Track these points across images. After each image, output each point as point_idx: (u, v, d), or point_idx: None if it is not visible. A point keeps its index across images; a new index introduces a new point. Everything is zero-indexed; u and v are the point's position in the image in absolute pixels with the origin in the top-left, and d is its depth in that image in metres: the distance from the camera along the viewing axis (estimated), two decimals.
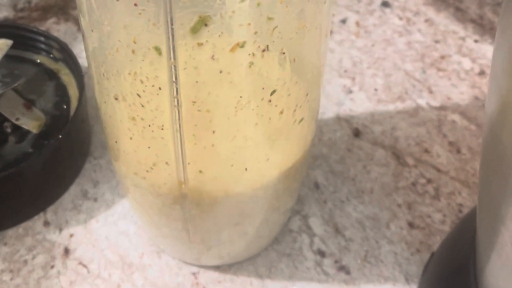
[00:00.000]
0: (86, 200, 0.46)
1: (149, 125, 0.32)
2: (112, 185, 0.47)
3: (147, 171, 0.35)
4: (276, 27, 0.29)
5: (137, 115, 0.32)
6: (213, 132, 0.32)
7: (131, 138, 0.33)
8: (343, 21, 0.60)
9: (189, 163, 0.33)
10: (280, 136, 0.34)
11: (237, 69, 0.29)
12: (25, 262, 0.43)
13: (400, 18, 0.60)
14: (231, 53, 0.29)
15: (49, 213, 0.45)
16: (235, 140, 0.32)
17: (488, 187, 0.30)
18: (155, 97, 0.30)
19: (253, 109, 0.31)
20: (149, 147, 0.33)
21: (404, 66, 0.56)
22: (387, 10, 0.61)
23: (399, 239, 0.44)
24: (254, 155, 0.34)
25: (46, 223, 0.45)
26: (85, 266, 0.42)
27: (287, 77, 0.31)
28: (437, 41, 0.58)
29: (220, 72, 0.29)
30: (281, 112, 0.33)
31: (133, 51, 0.29)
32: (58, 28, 0.59)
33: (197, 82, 0.29)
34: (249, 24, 0.28)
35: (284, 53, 0.30)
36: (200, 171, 0.34)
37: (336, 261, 0.43)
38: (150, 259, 0.43)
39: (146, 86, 0.30)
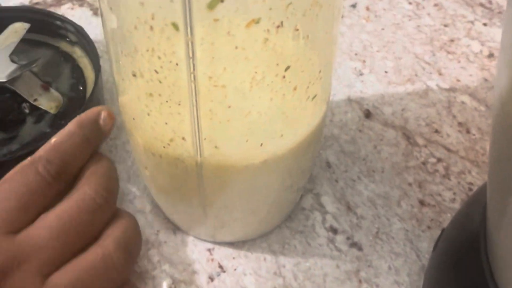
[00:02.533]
0: None
1: (166, 101, 0.33)
2: (128, 165, 0.48)
3: (164, 147, 0.35)
4: (291, 3, 0.29)
5: (155, 91, 0.33)
6: (229, 107, 0.32)
7: (148, 114, 0.34)
8: (354, 6, 0.61)
9: (205, 139, 0.34)
10: (293, 112, 0.35)
11: (252, 45, 0.30)
12: None
13: (410, 3, 0.61)
14: (246, 29, 0.29)
15: None
16: (250, 115, 0.33)
17: (498, 164, 0.31)
18: (172, 73, 0.31)
19: (267, 85, 0.32)
20: (166, 123, 0.34)
21: (413, 49, 0.57)
22: None
23: (410, 217, 0.45)
24: (268, 130, 0.34)
25: None
26: None
27: (300, 53, 0.32)
28: (446, 25, 0.59)
29: (236, 48, 0.30)
30: (295, 89, 0.33)
31: (151, 28, 0.30)
32: (72, 14, 0.60)
33: (213, 57, 0.30)
34: (264, 0, 0.29)
35: (298, 30, 0.31)
36: (216, 147, 0.34)
37: (348, 238, 0.44)
38: (166, 236, 0.44)
39: (163, 62, 0.31)
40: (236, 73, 0.31)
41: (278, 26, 0.30)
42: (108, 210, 0.36)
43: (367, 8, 0.61)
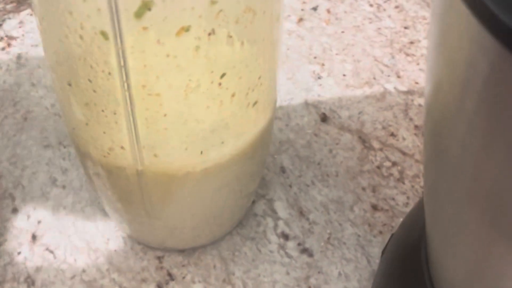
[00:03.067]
0: (55, 187, 0.47)
1: (102, 110, 0.33)
2: (81, 173, 0.47)
3: (104, 156, 0.35)
4: (221, 10, 0.29)
5: (90, 101, 0.32)
6: (165, 115, 0.32)
7: (86, 124, 0.34)
8: (315, 9, 0.61)
9: (144, 147, 0.34)
10: (233, 119, 0.34)
11: (183, 53, 0.30)
12: None
13: (371, 5, 0.61)
14: (176, 37, 0.29)
15: (18, 200, 0.46)
16: (188, 123, 0.33)
17: (428, 172, 0.31)
18: (106, 82, 0.31)
19: (203, 92, 0.32)
20: (104, 132, 0.34)
21: (373, 52, 0.56)
22: None
23: (362, 222, 0.45)
24: (208, 138, 0.34)
25: (15, 210, 0.45)
26: (51, 251, 0.43)
27: (236, 60, 0.32)
28: (406, 27, 0.59)
29: (167, 56, 0.30)
30: (233, 95, 0.33)
31: (80, 37, 0.30)
32: (31, 20, 0.60)
33: (145, 66, 0.30)
34: (193, 8, 0.28)
35: (231, 37, 0.31)
36: (155, 155, 0.34)
37: (299, 244, 0.44)
38: (115, 244, 0.43)
39: (96, 71, 0.31)
40: (170, 81, 0.31)
41: (209, 34, 0.30)
42: None
43: (328, 11, 0.60)
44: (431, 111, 0.28)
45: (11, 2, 0.62)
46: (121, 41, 0.29)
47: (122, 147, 0.34)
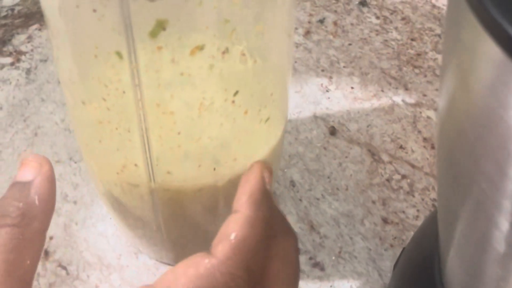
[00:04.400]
0: (66, 203, 0.47)
1: (116, 128, 0.33)
2: (91, 188, 0.48)
3: (117, 173, 0.35)
4: (234, 30, 0.29)
5: (104, 119, 0.33)
6: (179, 133, 0.32)
7: (100, 141, 0.34)
8: (321, 21, 0.61)
9: (157, 165, 0.34)
10: (246, 136, 0.34)
11: (198, 71, 0.30)
12: None
13: (377, 17, 0.61)
14: (191, 56, 0.29)
15: None
16: (201, 141, 0.33)
17: (443, 185, 0.31)
18: (120, 101, 0.31)
19: (217, 110, 0.32)
20: (117, 150, 0.34)
21: (380, 64, 0.57)
22: (365, 9, 0.62)
23: (373, 235, 0.45)
24: (221, 155, 0.34)
25: None
26: (64, 268, 0.43)
27: (249, 78, 0.32)
28: (413, 39, 0.59)
29: (181, 74, 0.30)
30: (246, 112, 0.33)
31: (95, 56, 0.30)
32: (40, 35, 0.60)
33: (159, 85, 0.30)
34: (207, 27, 0.29)
35: (244, 55, 0.31)
36: (168, 172, 0.34)
37: (310, 258, 0.44)
38: (127, 260, 0.43)
39: (110, 89, 0.31)
40: (184, 100, 0.31)
41: (223, 52, 0.30)
42: None
43: (335, 23, 0.61)
44: (445, 126, 0.29)
45: (19, 17, 0.62)
46: (136, 61, 0.29)
47: (135, 165, 0.34)
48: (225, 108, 0.32)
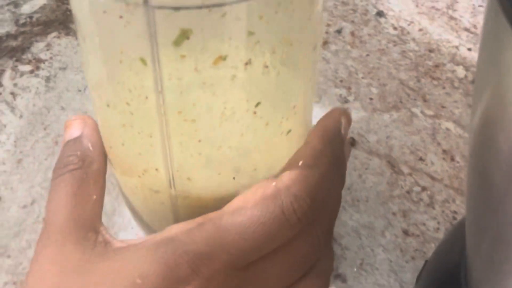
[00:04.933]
0: None
1: (139, 133, 0.33)
2: (113, 197, 0.48)
3: (139, 177, 0.35)
4: (258, 41, 0.30)
5: (127, 123, 0.33)
6: (199, 141, 0.33)
7: (123, 145, 0.35)
8: (339, 31, 0.61)
9: (177, 171, 0.34)
10: (267, 147, 0.34)
11: (220, 81, 0.30)
12: None
13: (395, 28, 0.61)
14: (213, 66, 0.30)
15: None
16: (221, 149, 0.33)
17: (474, 198, 0.31)
18: (143, 106, 0.31)
19: (238, 121, 0.32)
20: (139, 154, 0.34)
21: (398, 75, 0.57)
22: (382, 19, 0.62)
23: (394, 247, 0.45)
24: (241, 164, 0.34)
25: None
26: None
27: (271, 89, 0.32)
28: (431, 50, 0.59)
29: (204, 83, 0.30)
30: (267, 124, 0.33)
31: (120, 61, 0.30)
32: (59, 42, 0.60)
33: (181, 93, 0.30)
34: (230, 38, 0.29)
35: (267, 67, 0.31)
36: (189, 178, 0.34)
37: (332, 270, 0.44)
38: None
39: (133, 95, 0.31)
40: (205, 108, 0.31)
41: (246, 63, 0.30)
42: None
43: (352, 34, 0.61)
44: (478, 140, 0.29)
45: (38, 25, 0.62)
46: (159, 68, 0.29)
47: (156, 170, 0.34)
48: (246, 119, 0.32)
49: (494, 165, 0.26)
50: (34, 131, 0.53)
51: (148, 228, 0.40)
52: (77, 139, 0.35)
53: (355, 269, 0.44)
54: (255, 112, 0.32)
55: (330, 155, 0.33)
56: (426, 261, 0.43)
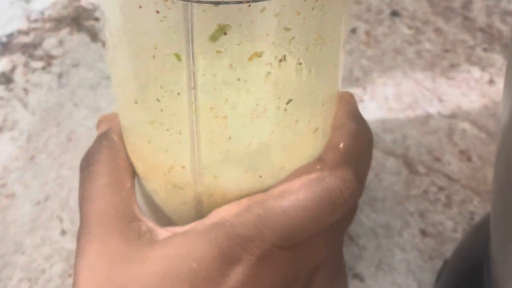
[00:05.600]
0: None
1: (167, 129, 0.33)
2: None
3: (164, 174, 0.35)
4: (294, 38, 0.29)
5: (156, 119, 0.33)
6: (229, 138, 0.32)
7: (149, 142, 0.34)
8: (353, 31, 0.61)
9: (205, 168, 0.34)
10: (294, 145, 0.34)
11: (254, 78, 0.30)
12: (43, 271, 0.43)
13: (409, 28, 0.61)
14: (249, 62, 0.29)
15: (66, 222, 0.46)
16: (250, 146, 0.33)
17: (502, 197, 0.31)
18: (174, 102, 0.31)
19: (269, 117, 0.32)
20: (167, 151, 0.34)
21: (414, 75, 0.56)
22: (397, 19, 0.61)
23: (412, 247, 0.45)
24: (268, 162, 0.34)
25: (63, 232, 0.45)
26: None
27: (303, 87, 0.32)
28: (446, 50, 0.59)
29: (238, 80, 0.30)
30: (297, 121, 0.33)
31: (153, 57, 0.30)
32: (71, 39, 0.60)
33: (215, 89, 0.30)
34: (267, 34, 0.29)
35: (301, 64, 0.31)
36: (215, 176, 0.34)
37: (350, 269, 0.43)
38: None
39: (165, 91, 0.31)
40: (238, 105, 0.31)
41: (280, 60, 0.30)
42: None
43: (367, 33, 0.60)
44: (508, 138, 0.28)
45: (50, 21, 0.62)
46: (194, 63, 0.29)
47: (183, 167, 0.34)
48: (277, 116, 0.32)
49: None
50: (47, 128, 0.52)
51: (170, 224, 0.40)
52: (105, 133, 0.36)
53: (372, 269, 0.43)
54: (286, 110, 0.32)
55: (365, 133, 0.35)
56: (445, 261, 0.43)
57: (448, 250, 0.44)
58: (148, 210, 0.41)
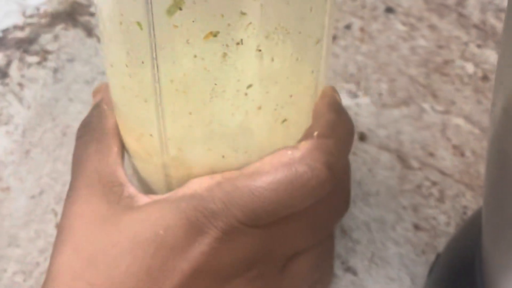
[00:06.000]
0: None
1: (135, 96, 0.34)
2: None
3: (136, 140, 0.36)
4: (250, 23, 0.30)
5: (126, 85, 0.34)
6: (190, 113, 0.33)
7: (123, 106, 0.35)
8: (348, 27, 0.61)
9: (170, 139, 0.34)
10: (259, 132, 0.34)
11: (211, 57, 0.31)
12: (37, 264, 0.44)
13: (404, 24, 0.61)
14: (204, 41, 0.30)
15: (60, 216, 0.46)
16: (211, 125, 0.33)
17: (493, 190, 0.31)
18: (140, 70, 0.32)
19: (228, 99, 0.32)
20: (137, 117, 0.35)
21: (408, 71, 0.57)
22: (391, 15, 0.62)
23: (405, 241, 0.45)
24: (230, 144, 0.34)
25: (58, 225, 0.45)
26: None
27: (264, 74, 0.32)
28: (440, 47, 0.59)
29: (195, 57, 0.30)
30: (259, 108, 0.33)
31: (120, 23, 0.31)
32: (66, 34, 0.60)
33: (174, 62, 0.31)
34: (222, 15, 0.29)
35: (260, 50, 0.31)
36: (180, 149, 0.34)
37: (343, 262, 0.44)
38: None
39: (131, 57, 0.32)
40: (196, 82, 0.32)
41: (238, 43, 0.30)
42: None
43: (362, 30, 0.61)
44: (501, 127, 0.28)
45: (45, 17, 0.62)
46: (154, 35, 0.30)
47: (151, 135, 0.35)
48: (237, 99, 0.32)
49: None
50: (42, 122, 0.52)
51: (148, 191, 0.40)
52: (97, 103, 0.38)
53: (365, 262, 0.44)
54: (246, 94, 0.32)
55: (343, 124, 0.35)
56: (437, 255, 0.43)
57: (441, 244, 0.45)
58: (135, 177, 0.41)
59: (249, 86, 0.32)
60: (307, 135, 0.35)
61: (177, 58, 0.31)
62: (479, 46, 0.59)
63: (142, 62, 0.31)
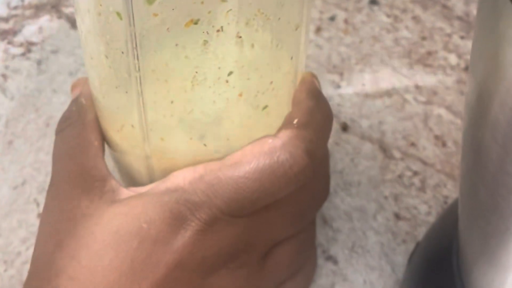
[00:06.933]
0: None
1: (116, 87, 0.34)
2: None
3: (117, 131, 0.36)
4: (230, 10, 0.30)
5: (106, 76, 0.33)
6: (171, 102, 0.33)
7: (103, 97, 0.35)
8: (332, 19, 0.61)
9: (151, 129, 0.34)
10: (240, 118, 0.34)
11: (192, 45, 0.31)
12: (19, 253, 0.44)
13: (388, 16, 0.61)
14: (185, 29, 0.30)
15: (42, 206, 0.46)
16: (193, 114, 0.33)
17: (468, 179, 0.31)
18: (120, 60, 0.32)
19: (209, 87, 0.32)
20: (117, 108, 0.35)
21: (391, 62, 0.57)
22: (375, 7, 0.62)
23: (386, 230, 0.45)
24: (212, 132, 0.34)
25: (40, 216, 0.45)
26: None
27: (245, 61, 0.32)
28: (424, 38, 0.59)
29: (176, 45, 0.31)
30: (240, 95, 0.33)
31: (99, 13, 0.31)
32: (51, 26, 0.60)
33: (155, 51, 0.31)
34: (202, 2, 0.29)
35: (240, 37, 0.31)
36: (162, 139, 0.34)
37: (324, 251, 0.44)
38: None
39: (111, 48, 0.32)
40: (177, 70, 0.32)
41: (218, 30, 0.30)
42: None
43: (346, 21, 0.61)
44: (474, 113, 0.29)
45: (30, 8, 0.62)
46: (133, 24, 0.30)
47: (132, 126, 0.35)
48: (218, 87, 0.33)
49: (489, 138, 0.26)
50: (25, 113, 0.52)
51: (131, 184, 0.40)
52: (76, 98, 0.38)
53: (346, 251, 0.44)
54: (227, 81, 0.32)
55: (322, 111, 0.36)
56: (417, 243, 0.43)
57: (422, 233, 0.45)
58: (117, 170, 0.41)
59: (230, 73, 0.32)
60: (287, 122, 0.35)
61: (158, 47, 0.31)
62: (462, 37, 0.59)
63: (122, 53, 0.31)
